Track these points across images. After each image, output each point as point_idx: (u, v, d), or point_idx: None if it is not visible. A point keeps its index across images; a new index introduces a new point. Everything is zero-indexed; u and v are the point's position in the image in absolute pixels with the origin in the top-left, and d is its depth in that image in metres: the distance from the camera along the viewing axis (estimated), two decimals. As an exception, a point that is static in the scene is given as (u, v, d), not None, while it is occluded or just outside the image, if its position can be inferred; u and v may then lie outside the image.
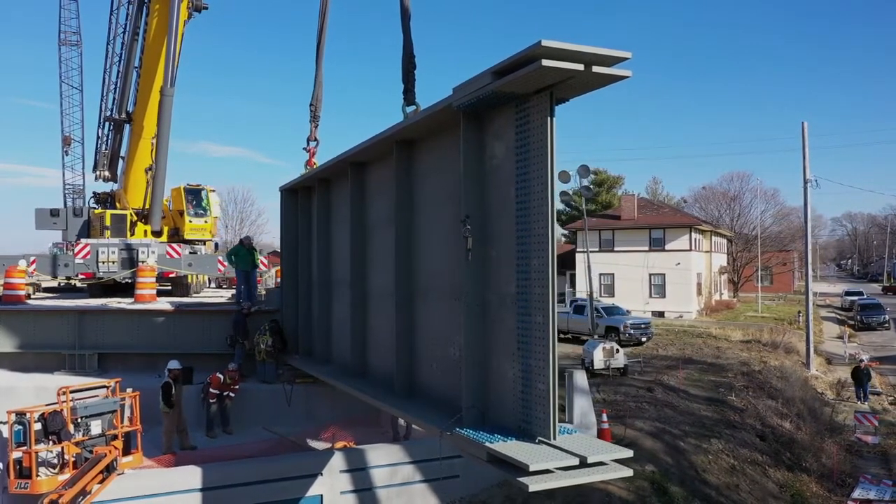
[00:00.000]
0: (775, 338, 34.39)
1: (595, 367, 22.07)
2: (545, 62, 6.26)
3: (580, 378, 14.71)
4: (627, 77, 6.71)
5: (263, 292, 17.95)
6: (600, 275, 49.53)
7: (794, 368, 28.70)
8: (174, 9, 20.80)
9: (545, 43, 6.24)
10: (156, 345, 16.43)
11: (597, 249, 49.92)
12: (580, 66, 6.41)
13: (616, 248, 49.31)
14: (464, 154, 8.07)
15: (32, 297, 22.34)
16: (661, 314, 46.58)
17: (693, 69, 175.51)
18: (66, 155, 29.97)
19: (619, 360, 22.31)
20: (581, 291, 48.11)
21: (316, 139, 15.37)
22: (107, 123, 24.13)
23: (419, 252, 9.96)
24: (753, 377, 24.20)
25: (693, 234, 48.02)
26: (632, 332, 31.04)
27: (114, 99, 23.77)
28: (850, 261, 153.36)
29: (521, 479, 6.50)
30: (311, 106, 15.17)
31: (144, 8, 22.29)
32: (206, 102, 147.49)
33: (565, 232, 71.07)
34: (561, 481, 6.59)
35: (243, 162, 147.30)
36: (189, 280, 22.36)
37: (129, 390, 11.71)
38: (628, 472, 6.85)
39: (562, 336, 34.23)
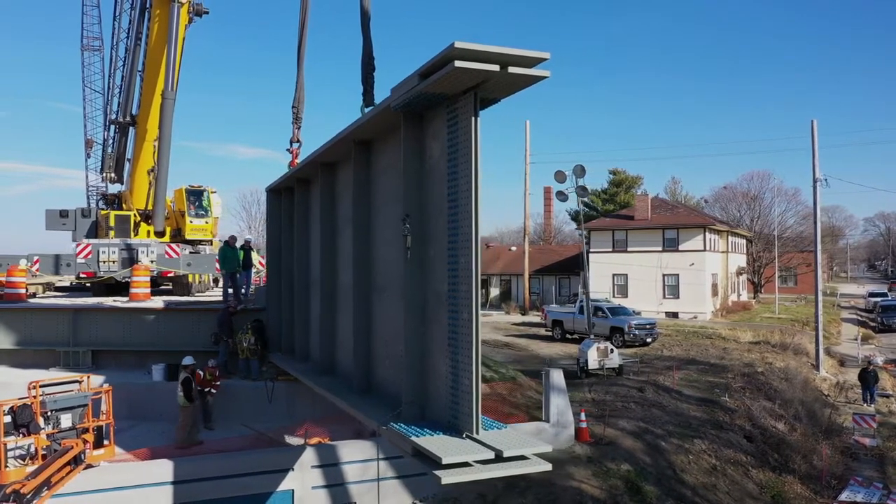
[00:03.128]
0: (785, 339, 33.91)
1: (589, 367, 22.04)
2: (458, 63, 6.39)
3: (557, 377, 14.76)
4: (546, 77, 6.79)
5: (253, 291, 18.27)
6: (613, 275, 49.34)
7: (800, 370, 28.29)
8: (174, 14, 21.28)
9: (458, 44, 6.37)
10: (147, 342, 16.85)
11: (610, 250, 49.75)
12: (495, 67, 6.53)
13: (629, 249, 48.95)
14: (404, 154, 8.23)
15: (41, 295, 23.00)
16: (674, 315, 46.17)
17: (713, 70, 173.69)
18: (89, 157, 30.61)
19: (614, 360, 22.24)
20: (594, 292, 47.88)
21: (299, 140, 15.66)
22: (112, 126, 24.69)
23: (375, 251, 10.14)
24: (754, 378, 23.93)
25: (708, 234, 47.49)
26: (636, 332, 30.86)
27: (118, 102, 24.32)
28: (883, 262, 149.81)
29: (436, 472, 6.64)
30: (293, 108, 15.44)
31: (146, 13, 22.79)
32: (233, 104, 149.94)
33: (583, 231, 70.68)
34: (475, 474, 6.71)
35: (270, 164, 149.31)
36: (189, 279, 22.78)
37: (104, 385, 12.04)
38: (547, 467, 6.93)
39: (568, 336, 34.16)
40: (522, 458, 7.00)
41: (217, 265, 22.64)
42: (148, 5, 22.59)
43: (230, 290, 17.45)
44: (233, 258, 17.13)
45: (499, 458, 6.75)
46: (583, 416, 15.27)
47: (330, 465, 12.72)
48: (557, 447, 14.56)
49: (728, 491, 14.35)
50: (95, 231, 25.32)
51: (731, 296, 54.52)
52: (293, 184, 14.59)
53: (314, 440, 13.31)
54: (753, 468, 15.69)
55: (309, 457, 12.58)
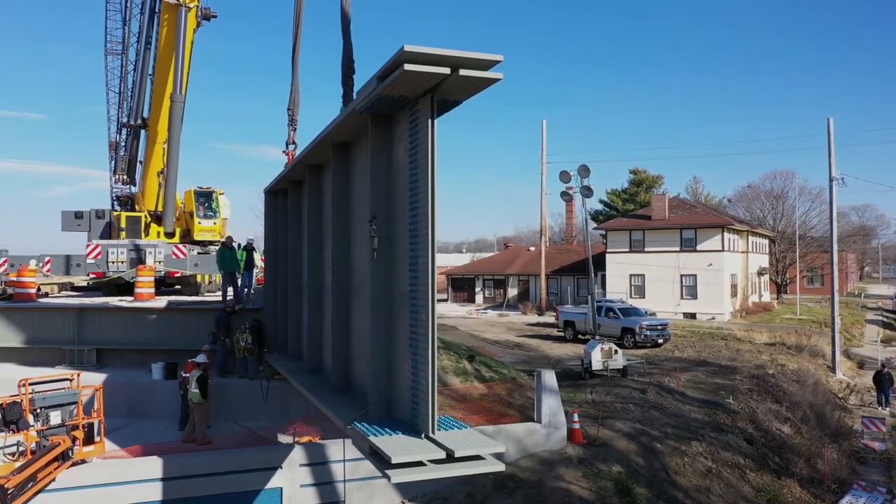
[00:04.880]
0: (801, 341, 33.38)
1: (593, 368, 21.95)
2: (407, 66, 6.45)
3: (549, 378, 14.71)
4: (499, 80, 6.82)
5: (252, 292, 18.48)
6: (630, 276, 48.98)
7: (815, 372, 27.85)
8: (181, 19, 21.66)
9: (408, 48, 6.42)
10: (149, 341, 17.15)
11: (627, 250, 49.39)
12: (446, 70, 6.58)
13: (647, 249, 48.53)
14: (371, 156, 8.32)
15: (55, 294, 23.47)
16: (692, 316, 45.69)
17: (736, 69, 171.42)
18: (112, 160, 31.23)
19: (618, 360, 22.11)
20: (612, 293, 47.63)
21: (294, 142, 15.81)
22: (124, 129, 25.14)
23: (354, 252, 10.23)
24: (764, 380, 23.60)
25: (726, 234, 46.88)
26: (647, 333, 30.64)
27: (130, 106, 24.75)
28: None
29: (387, 472, 6.71)
30: (288, 111, 15.61)
31: (155, 18, 23.18)
32: (261, 106, 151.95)
33: (603, 232, 70.42)
34: (425, 474, 6.77)
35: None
36: (198, 280, 23.10)
37: (97, 384, 12.29)
38: (500, 467, 6.95)
39: (580, 337, 33.98)
40: (479, 457, 7.05)
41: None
42: (157, 10, 22.99)
43: (229, 290, 17.67)
44: (230, 259, 17.35)
45: (450, 457, 6.79)
46: (575, 417, 15.21)
47: (318, 464, 12.83)
48: (549, 448, 14.55)
49: (722, 494, 14.20)
50: (109, 232, 25.80)
51: (751, 296, 53.74)
52: (287, 185, 14.76)
53: (304, 439, 13.44)
54: (751, 471, 15.49)
55: (298, 455, 12.71)
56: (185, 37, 21.87)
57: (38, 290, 21.34)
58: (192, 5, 21.94)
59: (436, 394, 7.11)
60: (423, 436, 7.24)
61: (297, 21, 15.09)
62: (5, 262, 21.88)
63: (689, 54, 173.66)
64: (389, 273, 8.21)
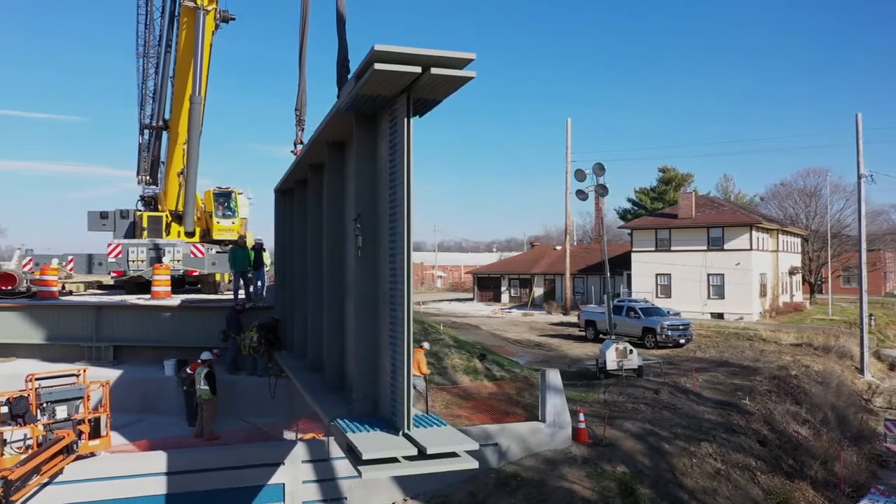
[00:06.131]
0: (829, 341, 32.64)
1: (608, 368, 21.78)
2: (377, 66, 6.50)
3: (553, 377, 14.64)
4: (472, 78, 6.82)
5: (265, 290, 18.72)
6: (657, 275, 48.43)
7: (842, 373, 27.23)
8: (199, 22, 21.95)
9: (378, 47, 6.47)
10: (163, 338, 17.49)
11: (653, 249, 48.85)
12: (417, 69, 6.61)
13: (673, 248, 47.93)
14: (356, 154, 8.42)
15: (79, 293, 24.03)
16: (720, 316, 45.01)
17: (741, 69, 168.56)
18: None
19: (633, 360, 21.90)
20: (637, 292, 47.16)
21: (302, 142, 15.94)
22: (146, 131, 25.63)
23: (347, 251, 10.31)
24: (786, 381, 23.17)
25: (755, 232, 46.03)
26: (669, 333, 30.27)
27: (151, 108, 25.23)
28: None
29: (358, 467, 6.77)
30: (296, 111, 15.76)
31: (175, 21, 23.58)
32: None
33: (629, 231, 69.68)
34: (397, 470, 6.84)
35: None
36: (217, 279, 23.47)
37: (112, 379, 12.58)
38: (474, 465, 6.97)
39: (601, 336, 33.68)
40: (454, 455, 7.07)
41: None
42: (176, 13, 23.38)
43: (241, 289, 17.93)
44: (242, 258, 17.61)
45: (423, 454, 6.83)
46: (581, 417, 15.12)
47: (321, 461, 12.97)
48: (553, 448, 14.50)
49: (729, 496, 13.99)
50: (133, 231, 26.34)
51: (781, 296, 52.69)
52: (293, 185, 14.93)
53: (308, 435, 13.59)
54: (762, 473, 15.23)
55: (300, 452, 12.86)
56: (204, 39, 22.14)
57: (63, 287, 21.91)
58: (210, 8, 22.23)
59: (411, 390, 7.16)
60: (400, 433, 7.29)
61: (304, 21, 15.23)
62: (30, 260, 22.49)
63: (689, 53, 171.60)
64: (373, 271, 8.28)
